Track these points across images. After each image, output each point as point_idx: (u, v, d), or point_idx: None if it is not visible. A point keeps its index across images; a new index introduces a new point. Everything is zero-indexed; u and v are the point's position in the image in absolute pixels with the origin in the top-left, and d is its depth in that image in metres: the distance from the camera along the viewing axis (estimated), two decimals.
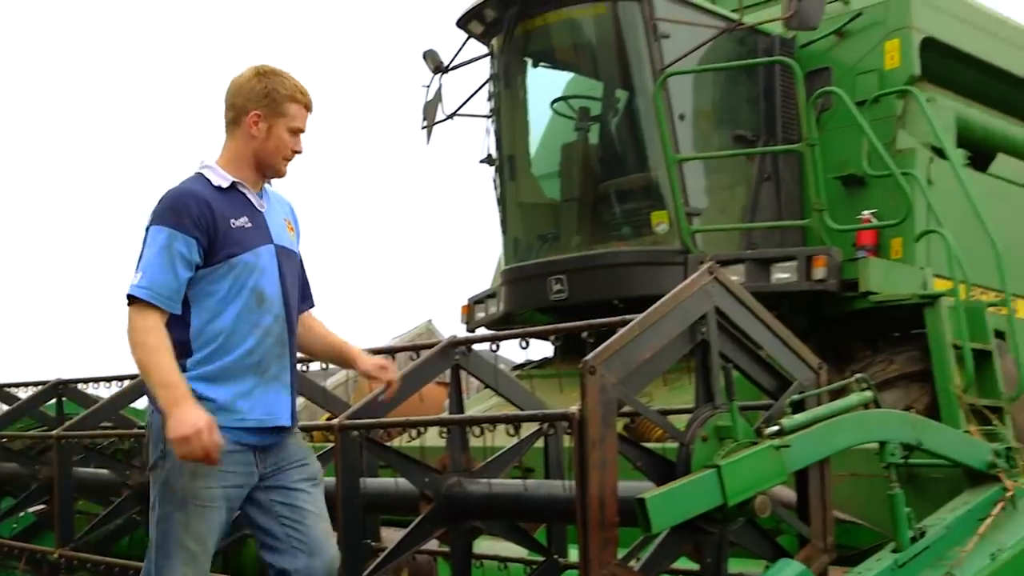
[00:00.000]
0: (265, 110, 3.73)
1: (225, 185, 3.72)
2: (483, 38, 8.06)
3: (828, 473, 4.19)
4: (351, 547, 4.40)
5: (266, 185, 3.90)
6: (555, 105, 8.15)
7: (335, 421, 4.61)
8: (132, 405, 7.10)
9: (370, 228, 45.61)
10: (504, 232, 8.27)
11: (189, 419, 3.41)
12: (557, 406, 5.03)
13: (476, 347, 5.10)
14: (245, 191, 3.77)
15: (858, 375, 4.33)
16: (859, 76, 7.76)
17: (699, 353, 3.78)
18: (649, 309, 3.64)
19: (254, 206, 3.78)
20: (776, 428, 3.78)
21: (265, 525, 3.75)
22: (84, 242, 40.01)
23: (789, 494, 4.16)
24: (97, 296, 36.88)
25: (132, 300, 3.54)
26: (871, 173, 7.14)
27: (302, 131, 3.86)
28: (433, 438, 4.87)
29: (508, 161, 8.16)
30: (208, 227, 3.62)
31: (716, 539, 3.74)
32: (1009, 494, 4.51)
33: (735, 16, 7.29)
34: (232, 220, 3.68)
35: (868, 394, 4.22)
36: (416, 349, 5.26)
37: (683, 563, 3.95)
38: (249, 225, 3.73)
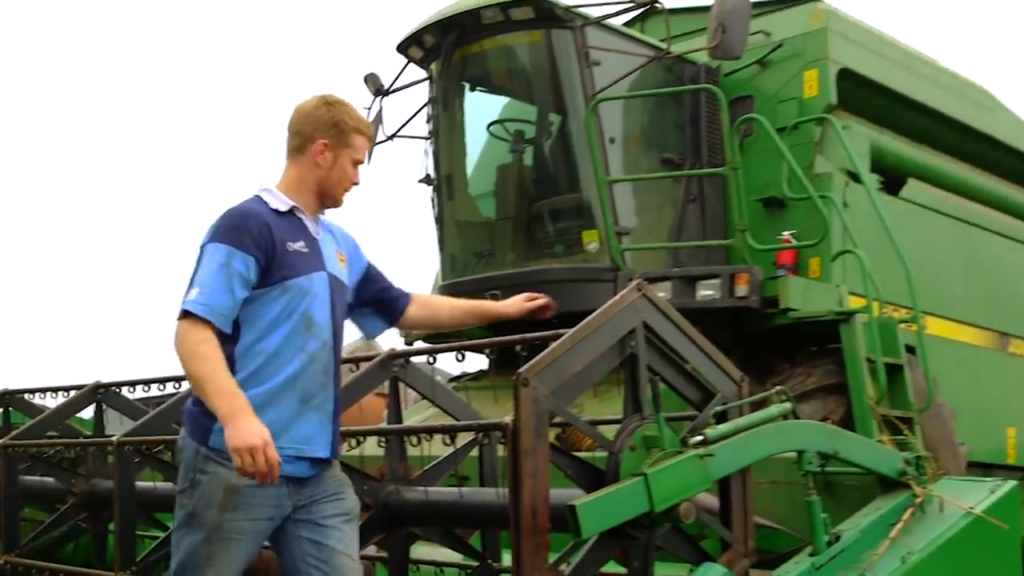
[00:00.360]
0: (332, 140, 3.66)
1: (284, 209, 3.62)
2: (422, 63, 8.04)
3: (749, 481, 4.23)
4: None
5: (321, 216, 3.81)
6: (491, 128, 8.15)
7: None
8: (78, 415, 7.02)
9: None
10: (441, 249, 8.25)
11: (255, 428, 3.26)
12: (492, 416, 5.05)
13: (414, 359, 5.10)
14: (303, 216, 3.68)
15: (778, 388, 4.37)
16: (780, 104, 7.84)
17: (628, 366, 3.79)
18: (580, 324, 3.65)
19: (310, 232, 3.69)
20: (700, 438, 3.80)
21: (290, 561, 3.59)
22: (34, 253, 39.32)
23: (712, 501, 4.19)
24: (45, 306, 36.29)
25: (185, 315, 3.40)
26: (791, 196, 7.22)
27: (362, 163, 3.79)
28: (372, 448, 4.86)
29: (446, 181, 8.15)
30: (267, 248, 3.51)
31: (643, 544, 3.76)
32: (918, 500, 4.57)
33: (663, 45, 7.33)
34: (289, 243, 3.58)
35: (787, 406, 4.26)
36: (356, 361, 5.24)
37: (611, 567, 3.96)
38: (305, 250, 3.63)
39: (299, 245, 3.61)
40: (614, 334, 3.72)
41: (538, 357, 3.52)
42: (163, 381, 6.07)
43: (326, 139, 3.66)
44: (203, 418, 3.46)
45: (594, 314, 3.69)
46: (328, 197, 3.75)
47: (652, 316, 3.86)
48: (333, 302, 3.68)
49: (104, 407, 6.40)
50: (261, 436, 3.26)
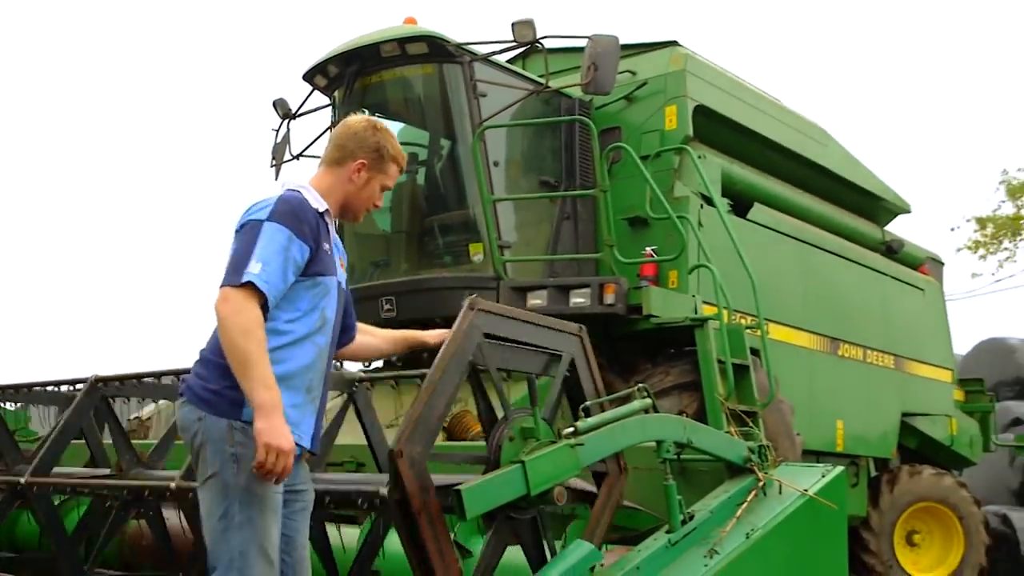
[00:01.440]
0: (371, 162, 3.51)
1: (320, 209, 3.43)
2: (326, 91, 7.97)
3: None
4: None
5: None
6: None
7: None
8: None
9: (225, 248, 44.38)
10: None
11: (287, 432, 3.04)
12: (390, 412, 4.93)
13: None
14: (328, 221, 3.50)
15: (640, 385, 4.40)
16: (644, 135, 7.92)
17: (472, 377, 3.63)
18: (432, 368, 3.41)
19: (332, 237, 3.52)
20: (571, 429, 3.82)
21: None
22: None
23: (584, 485, 4.21)
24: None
25: (245, 285, 3.09)
26: (653, 216, 7.32)
27: (389, 189, 3.67)
28: None
29: None
30: (315, 241, 3.34)
31: (528, 523, 3.75)
32: (761, 484, 4.63)
33: (542, 80, 7.36)
34: (324, 243, 3.42)
35: (648, 401, 4.28)
36: None
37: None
38: (329, 253, 3.46)
39: (327, 247, 3.45)
40: (463, 360, 3.51)
41: (402, 425, 3.27)
42: (160, 375, 5.55)
43: (365, 160, 3.51)
44: (231, 392, 3.15)
45: (440, 353, 3.44)
46: (349, 212, 3.60)
47: (489, 322, 3.74)
48: (337, 307, 3.52)
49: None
50: (290, 442, 3.05)
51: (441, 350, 3.45)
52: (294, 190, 3.42)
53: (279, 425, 3.04)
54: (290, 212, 3.27)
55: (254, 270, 3.12)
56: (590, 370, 4.15)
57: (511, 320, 3.87)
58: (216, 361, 3.19)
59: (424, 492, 3.28)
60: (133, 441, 5.57)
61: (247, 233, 3.23)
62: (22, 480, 5.17)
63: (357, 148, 3.52)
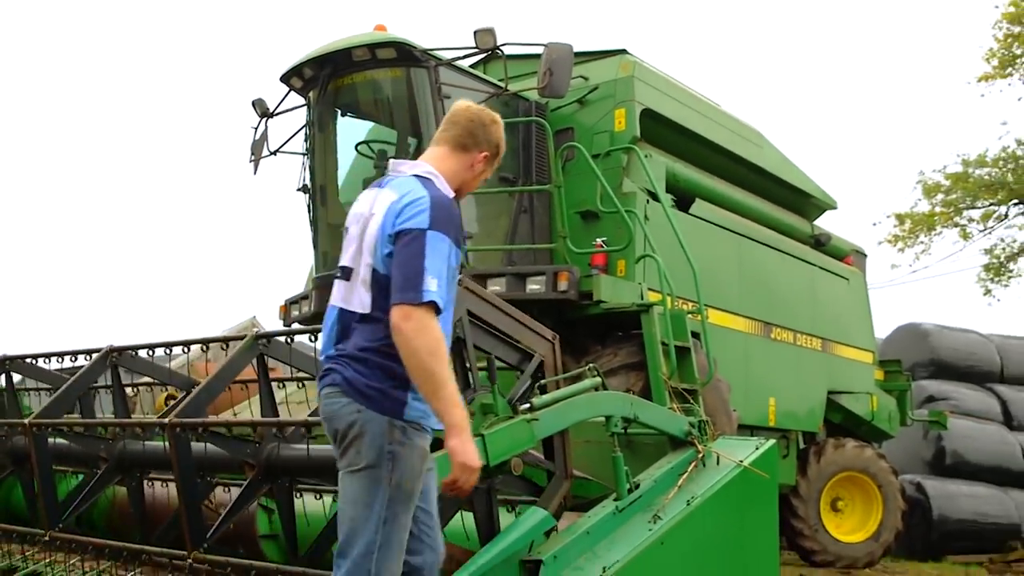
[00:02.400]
0: (491, 155, 3.34)
1: (450, 198, 3.17)
2: (302, 91, 7.89)
3: (568, 440, 4.27)
4: (192, 513, 4.28)
5: None
6: (358, 147, 8.03)
7: (167, 420, 4.40)
8: None
9: (208, 239, 44.00)
10: (315, 247, 8.10)
11: (475, 450, 2.91)
12: None
13: (298, 339, 4.97)
14: None
15: (590, 365, 4.42)
16: (595, 135, 7.91)
17: (456, 349, 3.69)
18: None
19: None
20: (527, 405, 3.82)
21: None
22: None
23: (539, 456, 4.22)
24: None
25: (426, 304, 2.86)
26: (603, 210, 7.33)
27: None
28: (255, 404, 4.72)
29: (320, 190, 8.00)
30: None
31: (484, 491, 3.76)
32: (701, 455, 4.68)
33: (502, 84, 7.34)
34: None
35: (597, 380, 4.31)
36: (226, 341, 5.25)
37: None
38: None
39: None
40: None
41: None
42: (171, 345, 5.37)
43: (488, 152, 3.33)
44: (395, 392, 2.97)
45: None
46: (458, 197, 3.30)
47: (474, 304, 3.82)
48: None
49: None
50: (479, 461, 2.93)
51: None
52: (427, 178, 3.17)
53: (470, 444, 2.91)
54: (447, 218, 3.02)
55: (432, 287, 2.88)
56: (556, 374, 4.16)
57: (495, 309, 3.91)
58: (379, 361, 2.97)
59: None
60: None
61: (411, 244, 2.94)
62: (26, 422, 5.17)
63: (484, 140, 3.34)
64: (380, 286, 2.99)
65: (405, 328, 2.84)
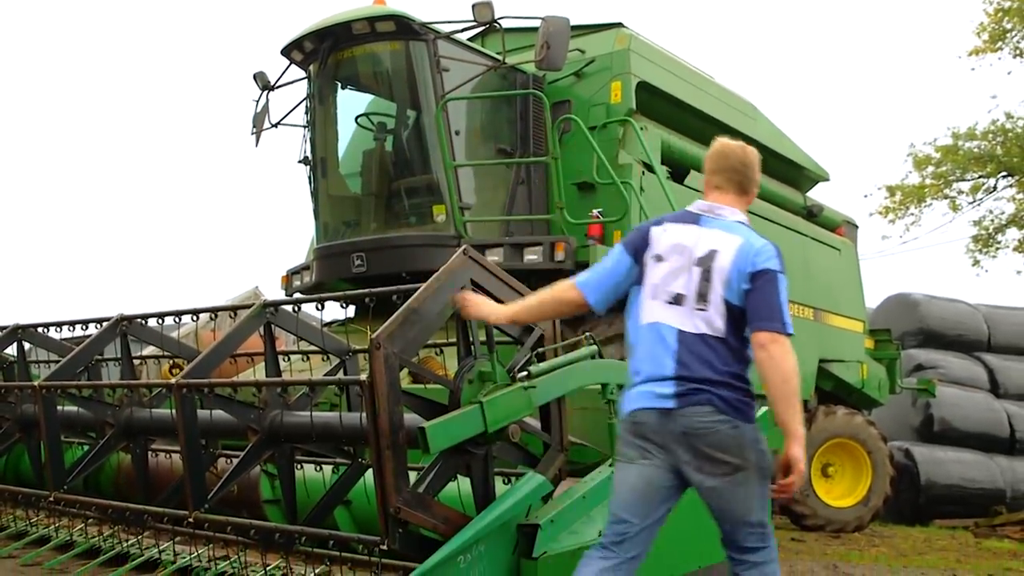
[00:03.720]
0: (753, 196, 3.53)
1: None
2: (302, 64, 7.86)
3: (564, 407, 4.27)
4: (195, 475, 4.26)
5: None
6: (358, 120, 8.01)
7: (173, 381, 4.38)
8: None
9: (214, 211, 43.96)
10: (316, 217, 8.09)
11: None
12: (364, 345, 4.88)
13: (305, 308, 4.94)
14: None
15: (587, 333, 4.43)
16: (592, 107, 7.89)
17: (458, 317, 3.74)
18: (421, 288, 3.59)
19: None
20: (525, 373, 3.83)
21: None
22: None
23: (536, 424, 4.22)
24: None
25: (787, 336, 3.15)
26: (599, 181, 7.32)
27: None
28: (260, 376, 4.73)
29: (320, 162, 7.98)
30: None
31: (481, 457, 3.77)
32: None
33: (500, 57, 7.32)
34: None
35: (594, 348, 4.31)
36: (234, 309, 5.24)
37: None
38: None
39: None
40: (445, 291, 3.67)
41: (387, 323, 3.44)
42: (181, 313, 5.33)
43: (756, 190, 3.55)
44: (751, 402, 3.27)
45: (432, 278, 3.64)
46: None
47: (478, 273, 3.83)
48: None
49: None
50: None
51: (432, 278, 3.61)
52: (749, 225, 3.39)
53: (803, 450, 3.19)
54: (782, 261, 3.30)
55: (790, 321, 3.20)
56: (556, 352, 4.16)
57: (497, 279, 3.91)
58: (737, 384, 3.24)
59: (389, 386, 3.40)
60: None
61: (771, 283, 3.21)
62: (36, 384, 5.18)
63: (758, 180, 3.56)
64: (732, 316, 3.24)
65: (775, 351, 3.15)
